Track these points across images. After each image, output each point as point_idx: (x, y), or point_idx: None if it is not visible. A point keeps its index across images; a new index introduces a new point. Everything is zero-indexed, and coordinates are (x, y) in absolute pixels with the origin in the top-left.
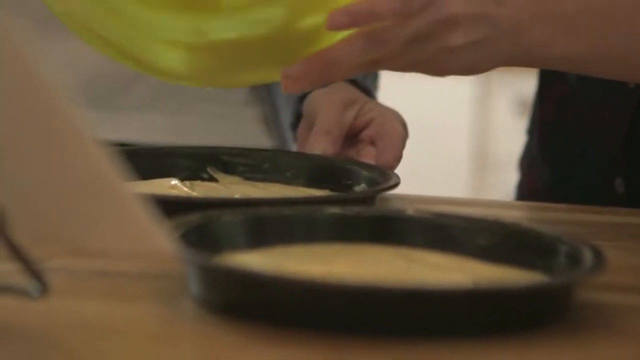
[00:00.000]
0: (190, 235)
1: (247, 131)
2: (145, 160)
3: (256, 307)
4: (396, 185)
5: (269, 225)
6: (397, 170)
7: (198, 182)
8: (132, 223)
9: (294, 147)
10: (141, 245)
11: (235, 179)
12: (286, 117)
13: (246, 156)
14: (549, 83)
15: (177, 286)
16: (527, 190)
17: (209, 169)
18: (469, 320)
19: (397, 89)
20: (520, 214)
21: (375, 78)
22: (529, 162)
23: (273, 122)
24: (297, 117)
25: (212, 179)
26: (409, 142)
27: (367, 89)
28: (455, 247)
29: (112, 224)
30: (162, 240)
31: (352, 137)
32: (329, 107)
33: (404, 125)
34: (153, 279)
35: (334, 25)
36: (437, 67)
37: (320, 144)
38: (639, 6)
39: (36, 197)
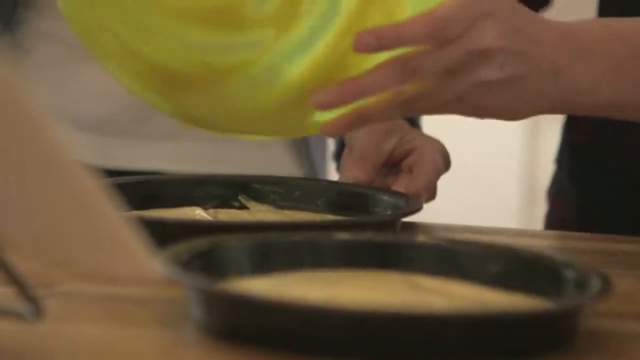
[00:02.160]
0: (196, 260)
1: (276, 159)
2: (177, 189)
3: (257, 332)
4: (411, 212)
5: (276, 251)
6: (445, 202)
7: (223, 210)
8: (121, 247)
9: (325, 177)
10: (129, 269)
11: (266, 207)
12: (316, 147)
13: (277, 184)
14: None
15: (180, 311)
16: (556, 220)
17: (240, 197)
18: (472, 346)
19: (446, 122)
20: (544, 243)
21: None
22: (556, 192)
23: (304, 151)
24: (341, 146)
25: (243, 207)
26: (458, 174)
27: (411, 116)
28: (465, 274)
29: (102, 248)
30: (150, 265)
31: (393, 165)
32: (368, 134)
33: (444, 156)
34: (157, 304)
35: (361, 46)
36: (474, 105)
37: (353, 172)
38: None
39: (30, 223)
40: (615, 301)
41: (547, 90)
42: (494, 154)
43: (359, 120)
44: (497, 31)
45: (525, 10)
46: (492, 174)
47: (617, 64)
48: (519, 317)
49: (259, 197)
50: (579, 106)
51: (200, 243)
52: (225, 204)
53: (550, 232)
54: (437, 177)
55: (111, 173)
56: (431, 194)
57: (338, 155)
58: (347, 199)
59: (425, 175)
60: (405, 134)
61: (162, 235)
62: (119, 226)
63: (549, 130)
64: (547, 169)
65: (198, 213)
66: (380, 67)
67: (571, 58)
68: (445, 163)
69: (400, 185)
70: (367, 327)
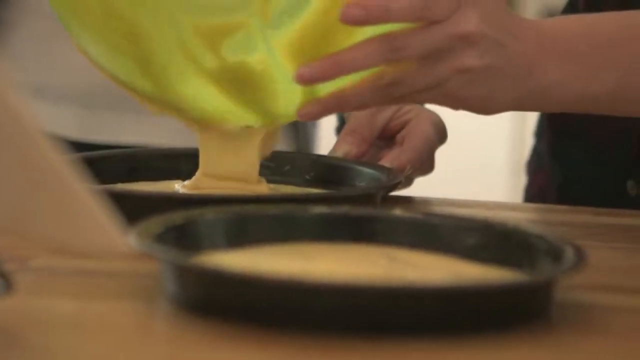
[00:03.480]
0: (170, 234)
1: None
2: (164, 161)
3: (231, 306)
4: (389, 186)
5: (252, 225)
6: (432, 175)
7: None
8: (91, 221)
9: (317, 150)
10: (100, 243)
11: None
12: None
13: (267, 158)
14: None
15: (154, 285)
16: (535, 193)
17: None
18: (446, 318)
19: None
20: (522, 215)
21: None
22: (536, 165)
23: (292, 125)
24: (343, 121)
25: None
26: (446, 147)
27: None
28: (441, 247)
29: (72, 222)
30: (121, 238)
31: (389, 138)
32: None
33: (438, 129)
34: (131, 278)
35: (348, 18)
36: (451, 94)
37: (343, 146)
38: None
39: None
40: (591, 273)
41: (521, 85)
42: (482, 127)
43: (337, 104)
44: (480, 18)
45: (504, 5)
46: (481, 146)
47: (588, 61)
48: (493, 289)
49: None
50: (552, 103)
51: (175, 216)
52: None
53: (529, 205)
54: (429, 150)
55: (95, 147)
56: (427, 167)
57: (339, 131)
58: (334, 174)
59: (413, 149)
60: (402, 106)
61: (135, 208)
62: (87, 200)
63: None
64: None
65: (177, 186)
66: (364, 43)
67: (545, 55)
68: (439, 136)
69: (387, 158)
70: (343, 300)
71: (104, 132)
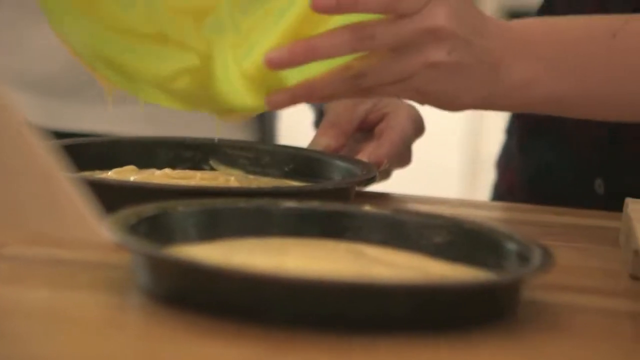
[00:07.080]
0: (142, 226)
1: (225, 123)
2: (145, 150)
3: (201, 299)
4: (363, 181)
5: (223, 218)
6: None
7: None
8: (69, 210)
9: (277, 141)
10: (77, 231)
11: (236, 171)
12: (268, 113)
13: (247, 149)
14: None
15: (126, 276)
16: (504, 190)
17: (211, 161)
18: (413, 316)
19: None
20: (487, 214)
21: None
22: (506, 162)
23: (255, 117)
24: (321, 114)
25: (213, 170)
26: None
27: None
28: (409, 244)
29: (50, 210)
30: (98, 228)
31: (367, 130)
32: (340, 100)
33: (415, 122)
34: (104, 269)
35: (318, 6)
36: (418, 89)
37: (323, 139)
38: (616, 48)
39: None
40: (555, 273)
41: (487, 83)
42: (437, 123)
43: (305, 93)
44: (450, 14)
45: (472, 3)
46: (435, 142)
47: (554, 62)
48: (461, 288)
49: (230, 162)
50: (517, 103)
51: (147, 208)
52: (195, 167)
53: (493, 203)
54: (406, 143)
55: (58, 135)
56: (405, 160)
57: (317, 124)
58: (313, 167)
59: (390, 143)
60: (381, 99)
61: (108, 198)
62: (66, 188)
63: None
64: (489, 139)
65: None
66: (334, 30)
67: (512, 55)
68: (416, 129)
69: (365, 152)
70: (311, 295)
71: (66, 120)
